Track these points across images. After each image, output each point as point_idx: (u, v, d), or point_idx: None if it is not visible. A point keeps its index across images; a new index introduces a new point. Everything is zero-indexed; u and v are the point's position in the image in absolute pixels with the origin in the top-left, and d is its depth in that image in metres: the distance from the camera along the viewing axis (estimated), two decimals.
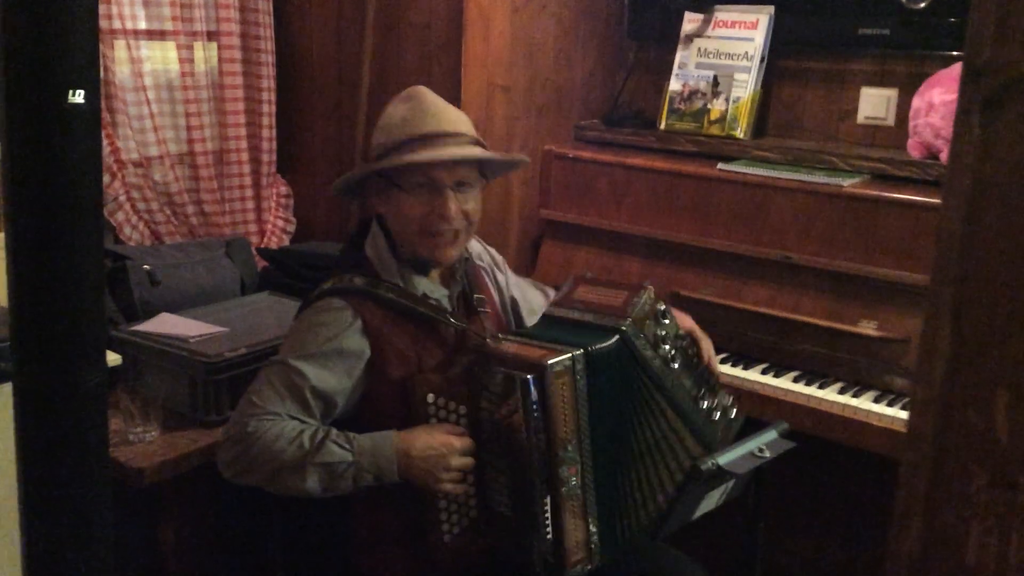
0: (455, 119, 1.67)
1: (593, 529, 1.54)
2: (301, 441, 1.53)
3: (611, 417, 1.56)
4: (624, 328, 1.56)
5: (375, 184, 1.69)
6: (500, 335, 1.64)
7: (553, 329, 1.63)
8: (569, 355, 1.50)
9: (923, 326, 0.63)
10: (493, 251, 1.96)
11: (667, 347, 1.62)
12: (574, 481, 1.50)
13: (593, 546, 1.54)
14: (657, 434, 1.59)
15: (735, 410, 1.72)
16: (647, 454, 1.58)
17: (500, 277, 1.92)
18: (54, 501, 1.11)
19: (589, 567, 1.54)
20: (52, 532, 1.11)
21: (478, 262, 1.86)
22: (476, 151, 1.66)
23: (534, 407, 1.48)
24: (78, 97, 1.02)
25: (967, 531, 0.61)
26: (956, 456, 0.62)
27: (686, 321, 1.79)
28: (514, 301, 1.94)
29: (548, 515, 1.50)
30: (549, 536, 1.51)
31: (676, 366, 1.62)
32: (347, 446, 1.54)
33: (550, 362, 1.48)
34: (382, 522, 1.66)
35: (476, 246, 1.92)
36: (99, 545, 1.15)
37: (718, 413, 1.67)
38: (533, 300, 1.98)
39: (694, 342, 1.75)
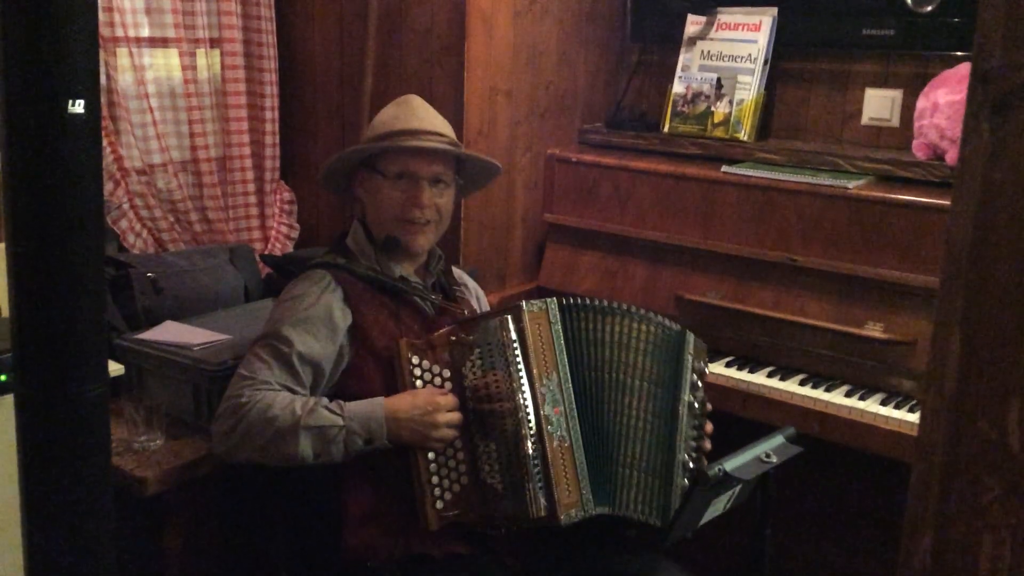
0: (439, 124, 1.83)
1: (583, 474, 1.60)
2: (293, 408, 1.60)
3: (598, 372, 1.66)
4: (688, 333, 1.71)
5: (361, 173, 1.83)
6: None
7: None
8: (543, 300, 1.66)
9: (933, 334, 0.62)
10: (476, 285, 2.06)
11: (700, 385, 1.72)
12: (558, 421, 1.59)
13: (584, 491, 1.60)
14: (637, 423, 1.67)
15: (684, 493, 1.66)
16: (634, 428, 1.66)
17: (481, 297, 2.03)
18: (56, 511, 1.10)
19: (583, 513, 1.60)
20: (54, 541, 1.11)
21: (458, 279, 1.96)
22: (452, 148, 1.80)
23: (513, 344, 1.60)
24: (78, 107, 1.02)
25: (979, 543, 0.60)
26: (968, 467, 0.61)
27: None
28: None
29: (537, 456, 1.57)
30: (541, 478, 1.56)
31: (696, 407, 1.70)
32: (338, 411, 1.62)
33: (524, 303, 1.63)
34: (374, 504, 1.69)
35: (457, 270, 2.02)
36: (101, 554, 1.14)
37: (685, 479, 1.65)
38: None
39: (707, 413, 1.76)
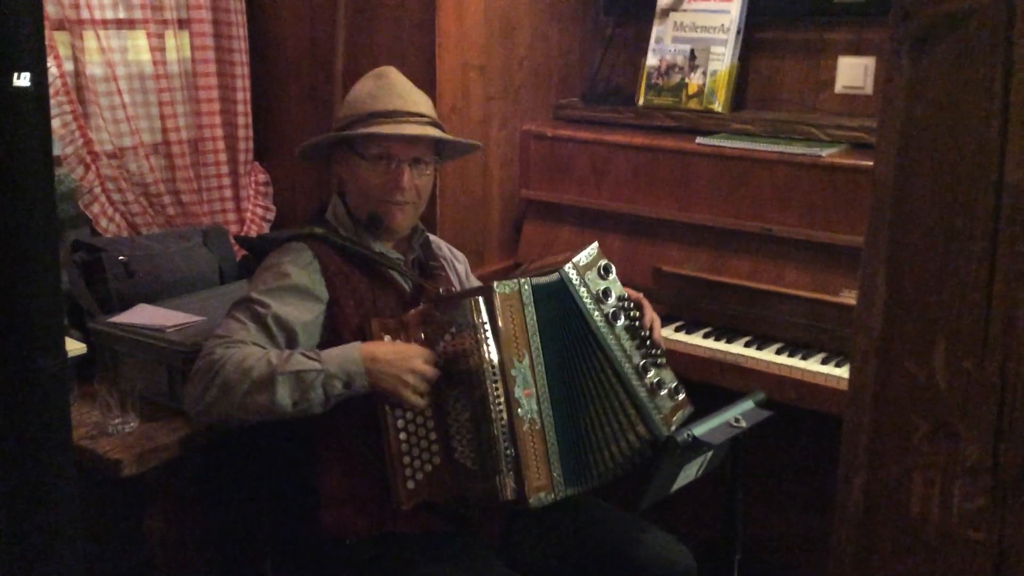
0: (418, 100, 1.80)
1: (554, 457, 1.58)
2: (269, 358, 1.59)
3: (560, 354, 1.64)
4: (565, 269, 1.65)
5: (340, 151, 1.82)
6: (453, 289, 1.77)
7: None
8: (515, 280, 1.62)
9: (860, 275, 0.61)
10: (458, 252, 2.06)
11: (610, 302, 1.67)
12: (528, 404, 1.57)
13: (556, 475, 1.58)
14: (602, 393, 1.64)
15: (682, 394, 1.70)
16: (598, 400, 1.64)
17: (460, 268, 2.03)
18: (16, 489, 1.10)
19: (553, 496, 1.58)
20: (15, 521, 1.10)
21: (436, 251, 1.96)
22: (433, 132, 1.78)
23: (484, 326, 1.58)
24: (23, 80, 1.01)
25: (910, 482, 0.60)
26: (897, 407, 0.60)
27: (634, 293, 1.84)
28: None
29: (507, 438, 1.55)
30: (511, 459, 1.55)
31: (619, 324, 1.67)
32: (314, 356, 1.61)
33: (496, 283, 1.60)
34: (348, 482, 1.70)
35: (436, 239, 2.03)
36: (65, 533, 1.14)
37: (664, 391, 1.66)
38: None
39: (639, 308, 1.78)
